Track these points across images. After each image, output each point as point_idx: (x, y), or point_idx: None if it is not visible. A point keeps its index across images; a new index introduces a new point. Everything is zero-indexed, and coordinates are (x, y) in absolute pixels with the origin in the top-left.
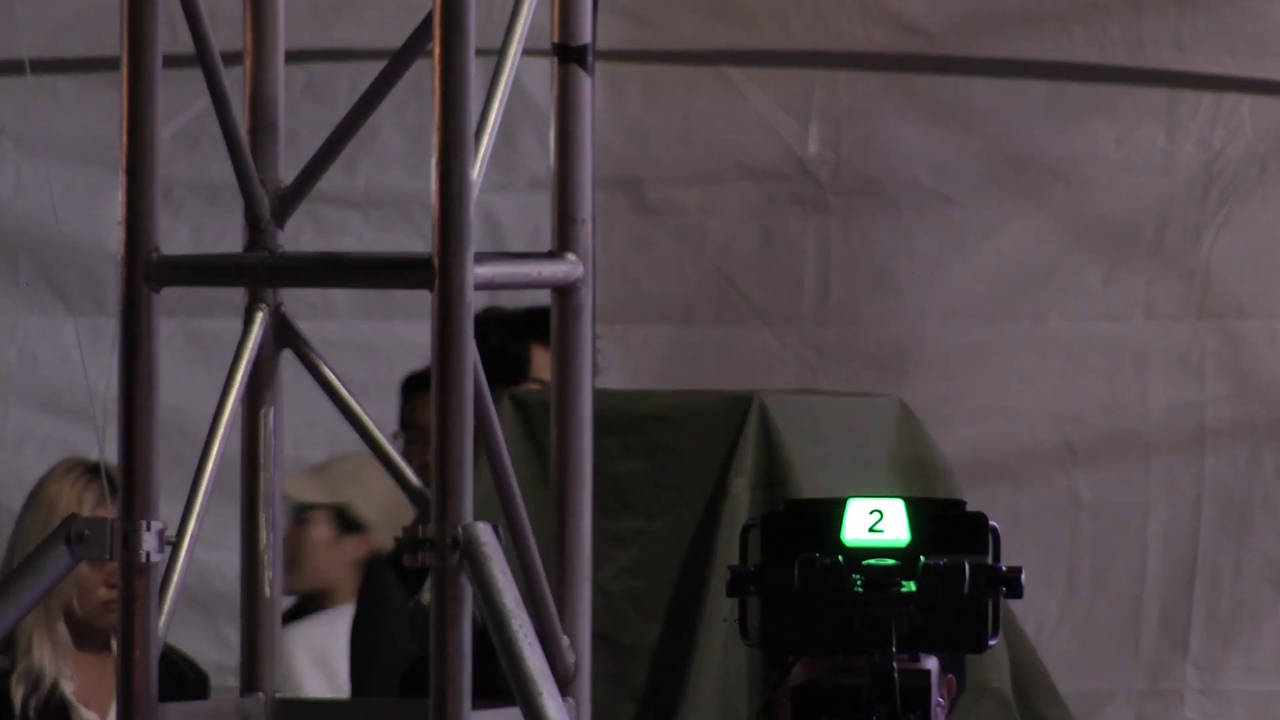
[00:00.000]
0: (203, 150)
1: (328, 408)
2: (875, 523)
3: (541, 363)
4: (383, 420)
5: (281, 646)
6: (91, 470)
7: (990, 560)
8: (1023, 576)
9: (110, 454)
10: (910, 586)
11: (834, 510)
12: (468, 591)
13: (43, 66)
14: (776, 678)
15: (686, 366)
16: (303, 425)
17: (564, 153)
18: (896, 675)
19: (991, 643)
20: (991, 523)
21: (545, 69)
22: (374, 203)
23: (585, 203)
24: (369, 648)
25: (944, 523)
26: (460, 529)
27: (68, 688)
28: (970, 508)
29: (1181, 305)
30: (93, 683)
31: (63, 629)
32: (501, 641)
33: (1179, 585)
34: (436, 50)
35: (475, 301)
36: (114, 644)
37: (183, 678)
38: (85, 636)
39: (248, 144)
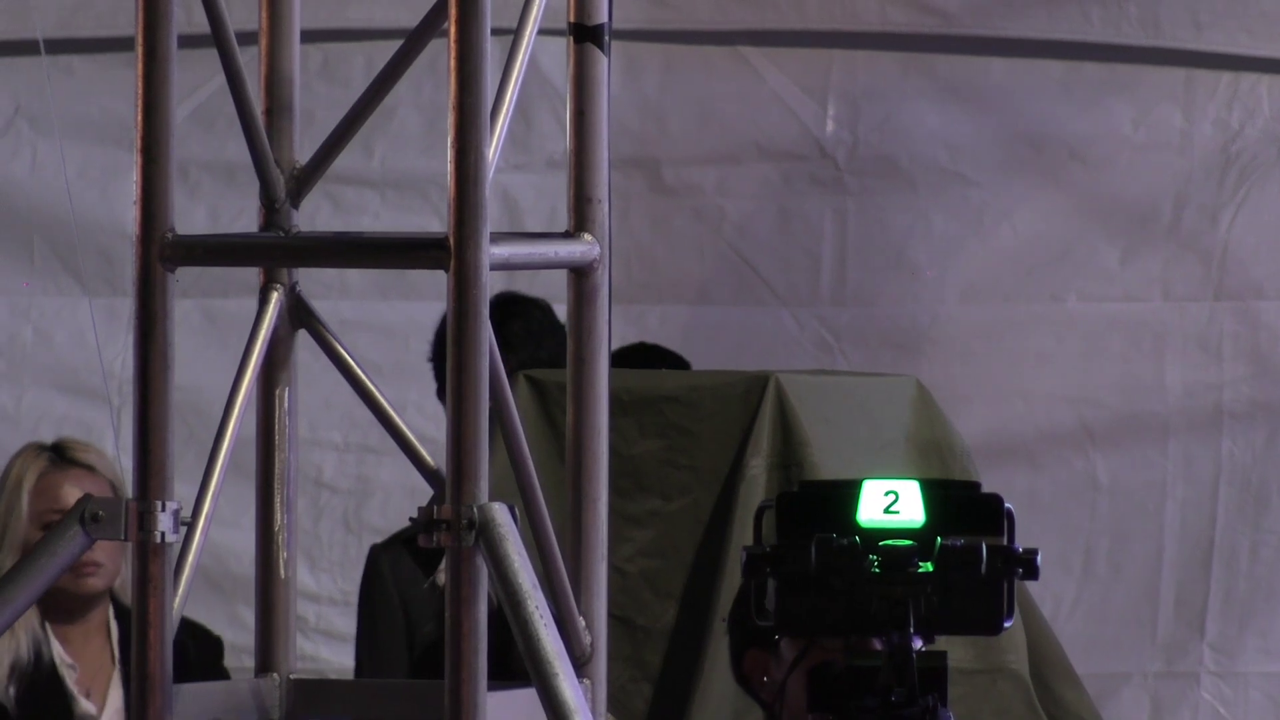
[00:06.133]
0: (219, 130)
1: (345, 389)
2: (890, 504)
3: None
4: (399, 401)
5: None
6: (43, 447)
7: (1005, 542)
8: (1038, 558)
9: (124, 434)
10: (927, 567)
11: (849, 491)
12: (483, 572)
13: (58, 46)
14: (778, 661)
15: (703, 347)
16: (319, 407)
17: (580, 133)
18: (915, 657)
19: (1006, 624)
20: (1006, 504)
21: (561, 48)
22: (390, 183)
23: (602, 183)
24: (369, 635)
25: (959, 504)
26: (476, 509)
27: (69, 676)
28: (986, 489)
29: (1199, 286)
30: (92, 671)
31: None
32: (517, 622)
33: (1196, 567)
34: (452, 30)
35: (491, 283)
36: (111, 627)
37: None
38: (66, 610)
39: (263, 124)
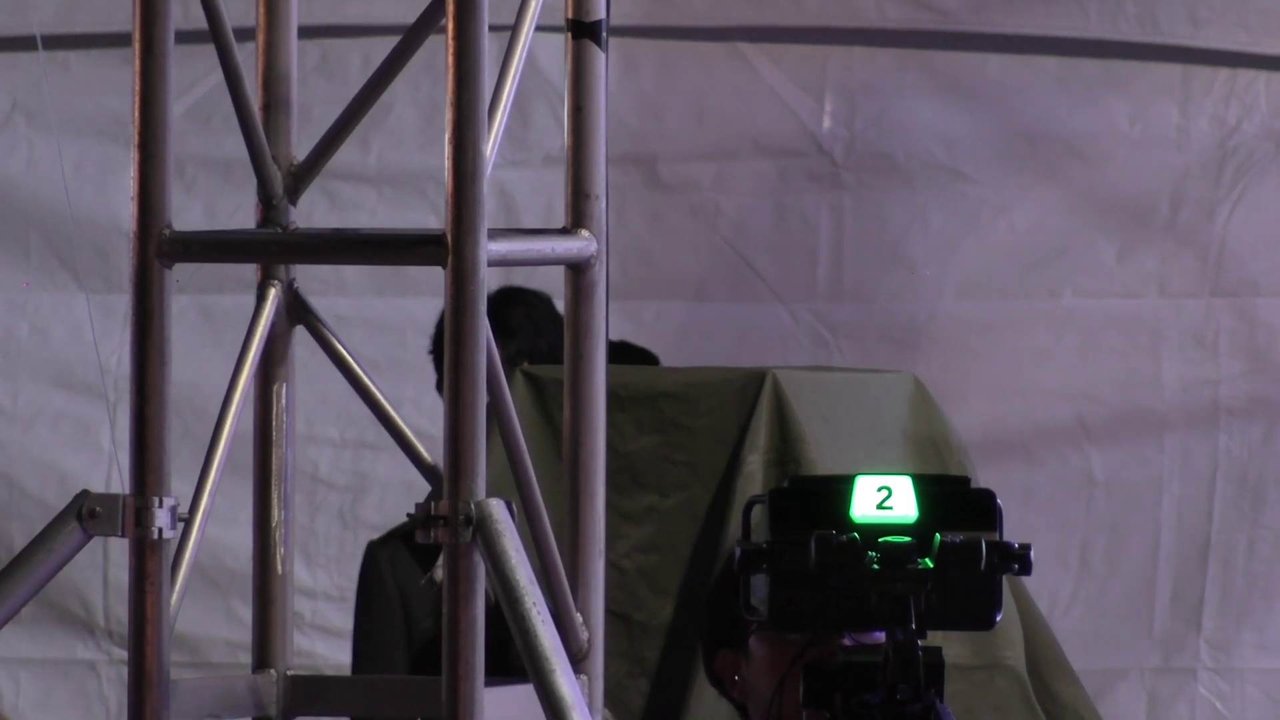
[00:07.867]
0: (215, 126)
1: (342, 385)
2: (883, 499)
3: None
4: (396, 397)
5: None
6: None
7: (999, 537)
8: (1031, 553)
9: (121, 429)
10: (927, 564)
11: (842, 487)
12: (481, 568)
13: (55, 42)
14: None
15: (700, 343)
16: (316, 402)
17: (578, 129)
18: (920, 653)
19: (997, 619)
20: (997, 499)
21: (559, 45)
22: (388, 179)
23: (599, 179)
24: (366, 631)
25: (951, 499)
26: (473, 505)
27: None
28: (981, 484)
29: (1196, 282)
30: None
31: None
32: (514, 618)
33: (1192, 563)
34: (450, 26)
35: (489, 279)
36: None
37: None
38: None
39: (260, 120)
